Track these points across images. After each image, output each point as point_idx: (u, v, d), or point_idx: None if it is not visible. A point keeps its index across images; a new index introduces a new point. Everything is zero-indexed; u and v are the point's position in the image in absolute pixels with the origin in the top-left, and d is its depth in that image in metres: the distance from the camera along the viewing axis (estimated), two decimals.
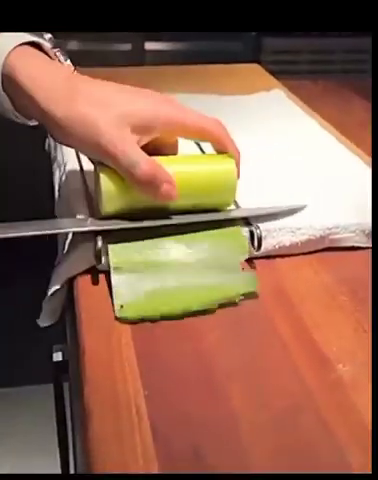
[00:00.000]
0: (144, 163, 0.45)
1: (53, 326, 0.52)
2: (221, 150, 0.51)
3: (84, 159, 0.55)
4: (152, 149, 0.49)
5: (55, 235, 0.60)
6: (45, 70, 0.48)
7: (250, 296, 0.46)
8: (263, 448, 0.35)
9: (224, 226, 0.50)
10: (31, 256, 1.30)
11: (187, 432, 0.35)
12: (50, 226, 0.48)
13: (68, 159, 0.60)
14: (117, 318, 0.44)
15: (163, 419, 0.36)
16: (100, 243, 0.46)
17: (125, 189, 0.47)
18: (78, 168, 0.57)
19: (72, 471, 0.75)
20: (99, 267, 0.47)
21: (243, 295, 0.46)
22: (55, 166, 0.66)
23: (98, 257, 0.46)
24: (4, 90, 0.48)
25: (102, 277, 0.47)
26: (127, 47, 1.58)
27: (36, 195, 0.99)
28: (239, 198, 0.53)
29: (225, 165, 0.50)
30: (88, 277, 0.47)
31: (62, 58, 0.51)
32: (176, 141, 0.52)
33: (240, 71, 0.99)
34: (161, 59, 1.60)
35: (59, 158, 0.64)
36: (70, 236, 0.50)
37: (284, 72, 1.48)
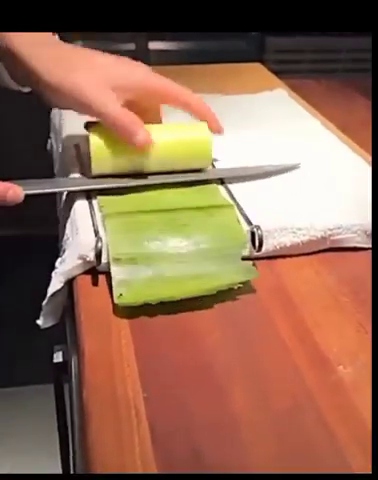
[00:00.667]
0: (113, 103, 0.52)
1: (54, 325, 0.51)
2: (201, 119, 0.57)
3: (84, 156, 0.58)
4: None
5: (57, 235, 0.60)
6: (41, 42, 0.54)
7: (247, 289, 0.46)
8: (263, 450, 0.34)
9: (205, 183, 0.56)
10: (32, 255, 1.30)
11: (186, 434, 0.35)
12: (48, 185, 0.53)
13: (66, 154, 0.60)
14: (116, 307, 0.44)
15: (162, 421, 0.36)
16: (100, 244, 0.46)
17: (113, 152, 0.54)
18: (77, 165, 0.58)
19: (72, 472, 0.75)
20: (99, 268, 0.47)
21: (242, 283, 0.46)
22: (56, 166, 0.66)
23: (98, 258, 0.46)
24: (1, 60, 0.55)
25: (102, 278, 0.47)
26: (131, 47, 1.58)
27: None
28: (239, 196, 0.54)
29: (200, 133, 0.57)
30: (88, 278, 0.47)
31: None
32: (158, 109, 0.58)
33: (243, 70, 0.98)
34: (165, 59, 1.60)
35: (59, 159, 0.64)
36: (69, 232, 0.50)
37: (288, 71, 1.48)
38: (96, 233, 0.48)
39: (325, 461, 0.34)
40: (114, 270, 0.46)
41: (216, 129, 0.57)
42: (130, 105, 0.54)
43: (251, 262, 0.48)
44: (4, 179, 0.50)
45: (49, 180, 0.54)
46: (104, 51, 0.57)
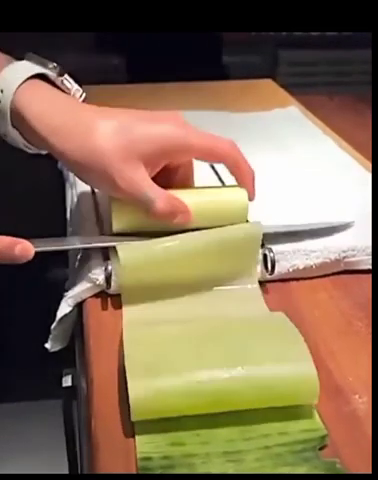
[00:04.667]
0: (160, 200, 0.45)
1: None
2: (233, 171, 0.50)
3: None
4: (166, 171, 0.48)
5: (65, 253, 0.60)
6: (53, 106, 0.46)
7: None
8: None
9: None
10: (42, 277, 1.30)
11: None
12: (59, 243, 0.48)
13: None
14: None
15: None
16: (110, 267, 0.45)
17: (135, 210, 0.47)
18: (89, 188, 0.57)
19: None
20: (109, 291, 0.46)
21: None
22: (67, 185, 0.65)
23: (108, 281, 0.45)
24: (13, 126, 0.47)
25: (111, 301, 0.46)
26: None
27: (48, 214, 0.98)
28: (251, 218, 0.53)
29: (236, 196, 0.50)
30: (97, 301, 0.47)
31: (69, 85, 0.49)
32: (190, 161, 0.50)
33: (254, 87, 0.98)
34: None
35: (71, 177, 0.63)
36: (79, 257, 0.49)
37: (301, 85, 1.47)
38: (106, 256, 0.47)
39: None
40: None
41: (250, 197, 0.50)
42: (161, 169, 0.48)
43: (336, 460, 0.35)
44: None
45: (61, 239, 0.49)
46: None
